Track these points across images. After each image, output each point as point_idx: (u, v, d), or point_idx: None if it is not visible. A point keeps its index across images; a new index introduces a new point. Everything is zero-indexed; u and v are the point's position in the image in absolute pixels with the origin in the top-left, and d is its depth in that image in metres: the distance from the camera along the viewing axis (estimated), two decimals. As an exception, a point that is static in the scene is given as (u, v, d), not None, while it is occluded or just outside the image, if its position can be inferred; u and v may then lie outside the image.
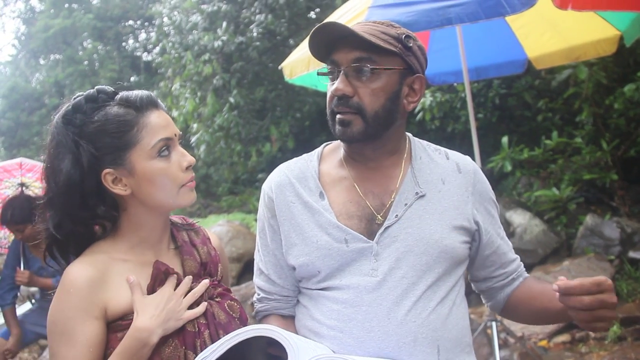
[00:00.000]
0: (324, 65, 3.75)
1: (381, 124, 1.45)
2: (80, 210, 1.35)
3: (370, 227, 1.45)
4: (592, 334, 4.61)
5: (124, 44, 19.48)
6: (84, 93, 1.40)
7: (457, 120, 7.76)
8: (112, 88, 1.43)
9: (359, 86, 1.43)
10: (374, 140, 1.48)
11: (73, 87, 18.35)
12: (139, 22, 19.37)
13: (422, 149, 1.59)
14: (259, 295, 1.62)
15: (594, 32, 3.94)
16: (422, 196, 1.48)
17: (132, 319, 1.32)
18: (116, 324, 1.34)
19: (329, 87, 1.49)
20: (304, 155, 1.65)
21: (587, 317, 1.28)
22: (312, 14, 11.16)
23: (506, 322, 4.03)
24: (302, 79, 3.96)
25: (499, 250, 1.59)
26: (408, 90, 1.48)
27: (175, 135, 1.40)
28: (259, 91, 10.52)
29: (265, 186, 1.62)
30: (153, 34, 15.23)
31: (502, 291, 1.63)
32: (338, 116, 1.46)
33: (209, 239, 1.62)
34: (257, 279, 1.62)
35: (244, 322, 1.50)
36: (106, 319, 1.34)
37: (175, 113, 10.32)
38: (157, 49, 12.32)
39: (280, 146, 11.02)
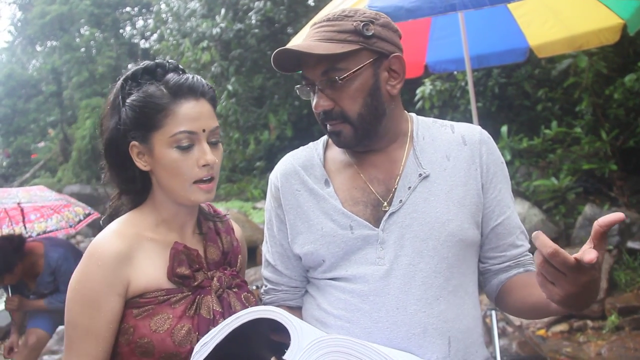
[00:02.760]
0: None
1: (369, 122, 1.41)
2: (121, 169, 1.42)
3: (377, 214, 1.41)
4: (590, 324, 4.62)
5: (121, 30, 19.40)
6: (151, 62, 1.44)
7: (456, 109, 7.73)
8: (175, 63, 1.45)
9: (336, 96, 1.38)
10: (371, 136, 1.44)
11: (70, 74, 18.29)
12: (136, 9, 19.27)
13: (426, 127, 1.52)
14: (266, 286, 1.60)
15: (596, 20, 3.89)
16: (426, 177, 1.42)
17: (149, 298, 1.32)
18: (133, 300, 1.33)
19: (312, 100, 1.44)
20: (311, 144, 1.62)
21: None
22: (311, 1, 11.11)
23: (505, 310, 4.03)
24: (302, 66, 3.93)
25: (499, 229, 1.46)
26: (387, 76, 1.41)
27: (204, 130, 1.37)
28: (257, 79, 10.49)
29: (272, 176, 1.59)
30: (150, 21, 15.10)
31: (497, 277, 1.51)
32: (328, 127, 1.43)
33: (232, 229, 1.61)
34: (264, 271, 1.60)
35: None
36: (126, 295, 1.33)
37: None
38: (155, 36, 12.28)
39: (278, 134, 11.00)
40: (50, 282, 3.93)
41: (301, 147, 1.62)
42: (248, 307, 1.43)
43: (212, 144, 1.39)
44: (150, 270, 1.36)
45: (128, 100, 1.38)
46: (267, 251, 1.59)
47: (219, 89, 10.19)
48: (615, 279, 4.97)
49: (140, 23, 19.14)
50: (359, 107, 1.38)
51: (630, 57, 6.17)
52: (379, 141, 1.46)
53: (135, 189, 1.44)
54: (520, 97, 7.60)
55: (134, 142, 1.38)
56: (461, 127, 1.52)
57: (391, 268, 1.36)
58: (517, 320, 4.58)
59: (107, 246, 1.33)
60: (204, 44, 9.93)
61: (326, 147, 1.58)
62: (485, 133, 1.52)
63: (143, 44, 17.47)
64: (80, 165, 16.64)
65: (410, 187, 1.41)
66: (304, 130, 11.35)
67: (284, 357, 1.09)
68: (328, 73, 1.36)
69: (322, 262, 1.43)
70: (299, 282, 1.55)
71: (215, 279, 1.43)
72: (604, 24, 3.90)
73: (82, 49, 19.18)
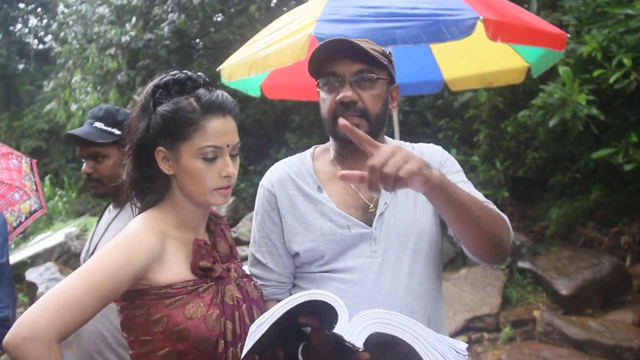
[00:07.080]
0: (262, 71, 3.77)
1: (380, 125, 1.69)
2: (146, 169, 1.52)
3: (366, 215, 1.67)
4: (486, 335, 5.05)
5: (11, 27, 18.26)
6: (182, 74, 1.53)
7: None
8: (204, 78, 1.56)
9: (362, 93, 1.64)
10: (375, 138, 1.65)
11: (-49, 69, 16.94)
12: (31, 7, 18.24)
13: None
14: (255, 282, 1.75)
15: (506, 61, 4.35)
16: None
17: (179, 288, 1.42)
18: (163, 292, 1.41)
19: (327, 96, 1.68)
20: (297, 155, 1.84)
21: None
22: (220, 17, 11.17)
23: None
24: (237, 82, 4.06)
25: None
26: (390, 98, 1.73)
27: (228, 145, 1.51)
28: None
29: (264, 182, 1.79)
30: (46, 21, 14.38)
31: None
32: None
33: (229, 228, 1.78)
34: (252, 269, 1.77)
35: (261, 302, 1.66)
36: (147, 284, 1.42)
37: (74, 107, 9.91)
38: (50, 37, 11.78)
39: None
40: None
41: (289, 158, 1.85)
42: (259, 294, 1.63)
43: (232, 157, 1.54)
44: (174, 265, 1.47)
45: (159, 109, 1.49)
46: (256, 250, 1.77)
47: (124, 99, 9.97)
48: (508, 295, 5.48)
49: (34, 22, 18.17)
50: (378, 109, 1.66)
51: (519, 95, 6.81)
52: None
53: (156, 189, 1.55)
54: (422, 125, 8.12)
55: (160, 148, 1.50)
56: (420, 145, 1.85)
57: (383, 260, 1.62)
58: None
59: (145, 239, 1.43)
60: (111, 51, 9.70)
61: (313, 160, 1.80)
62: (437, 146, 1.85)
63: (36, 45, 16.62)
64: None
65: (391, 192, 1.64)
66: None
67: (334, 331, 1.24)
68: (362, 73, 1.63)
69: (321, 257, 1.66)
70: (286, 278, 1.76)
71: (232, 269, 1.59)
72: (511, 66, 4.37)
73: (-34, 44, 17.89)
